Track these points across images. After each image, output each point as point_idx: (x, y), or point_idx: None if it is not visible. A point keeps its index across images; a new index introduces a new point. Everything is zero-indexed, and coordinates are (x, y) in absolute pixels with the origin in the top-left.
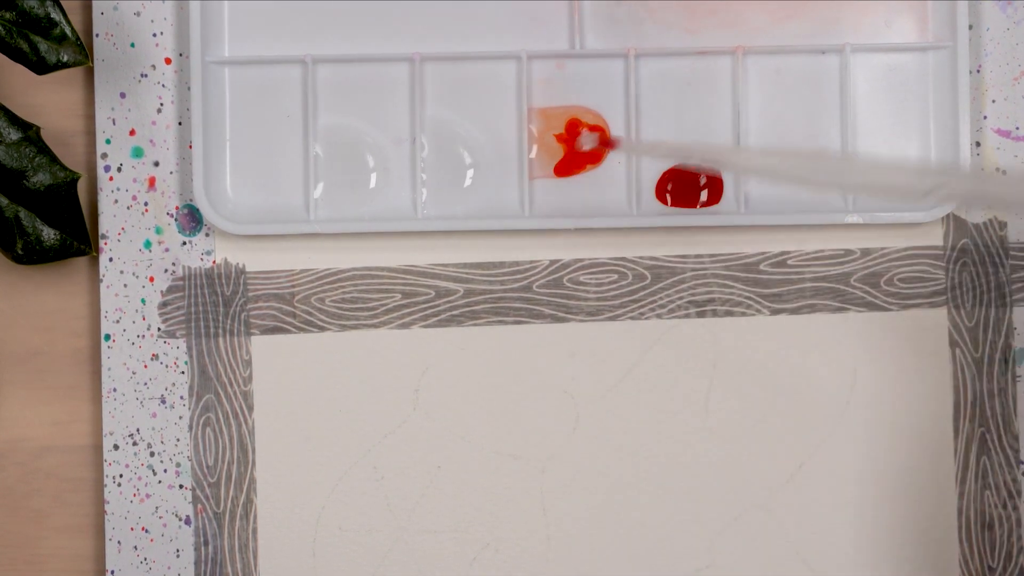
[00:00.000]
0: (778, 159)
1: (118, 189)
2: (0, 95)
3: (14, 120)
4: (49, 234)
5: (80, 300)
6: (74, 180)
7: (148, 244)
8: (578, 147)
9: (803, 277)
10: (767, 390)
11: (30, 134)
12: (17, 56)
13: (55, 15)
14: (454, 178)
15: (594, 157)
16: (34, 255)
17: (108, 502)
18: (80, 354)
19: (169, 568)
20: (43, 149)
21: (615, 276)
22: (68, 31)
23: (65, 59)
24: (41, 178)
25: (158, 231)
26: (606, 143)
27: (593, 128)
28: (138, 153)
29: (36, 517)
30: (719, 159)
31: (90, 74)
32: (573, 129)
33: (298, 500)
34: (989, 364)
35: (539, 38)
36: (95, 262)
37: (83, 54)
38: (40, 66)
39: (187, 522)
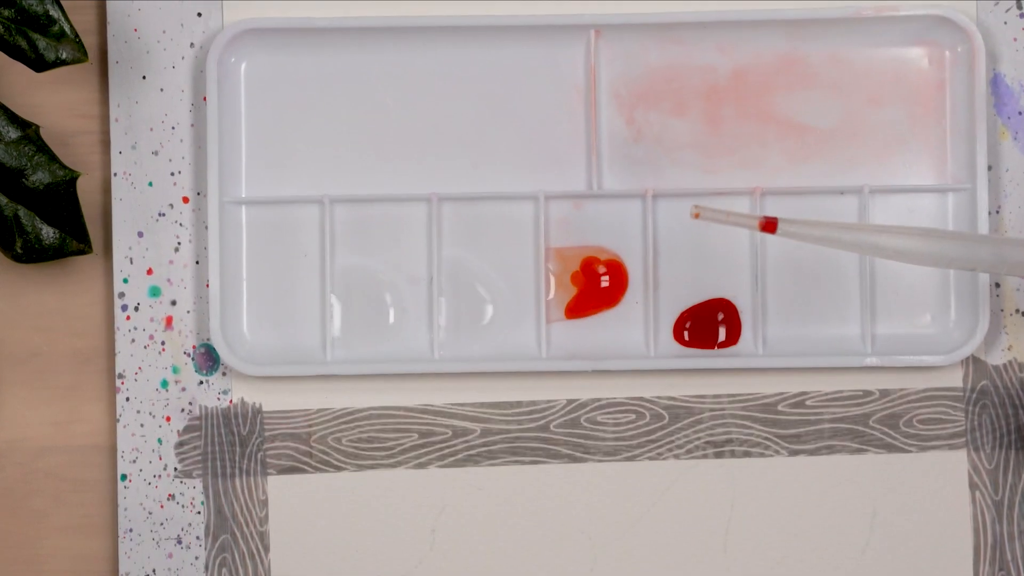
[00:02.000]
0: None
1: (135, 328)
2: (0, 94)
3: (13, 119)
4: (48, 233)
5: (80, 300)
6: (73, 179)
7: (165, 383)
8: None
9: (821, 418)
10: (785, 531)
11: (29, 133)
12: (16, 53)
13: (54, 12)
14: (471, 318)
15: (609, 299)
16: (33, 254)
17: None
18: (80, 354)
19: None
20: (42, 148)
21: (632, 416)
22: (67, 28)
23: (64, 56)
24: (40, 177)
25: (175, 370)
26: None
27: (610, 263)
28: (155, 292)
29: (36, 517)
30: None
31: (90, 72)
32: (589, 268)
33: None
34: (1009, 507)
35: (556, 178)
36: (95, 262)
37: (82, 51)
38: (39, 63)
39: None
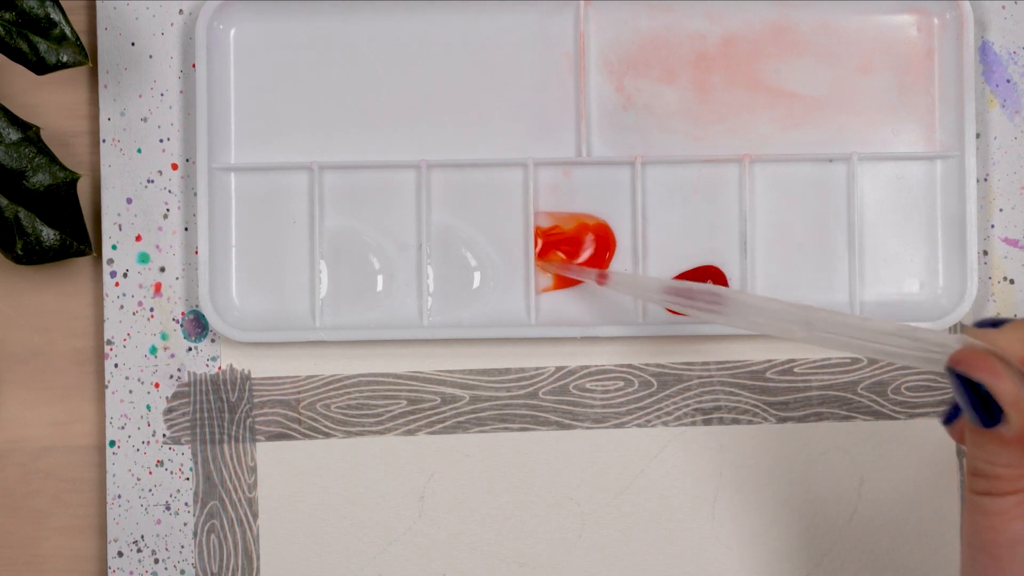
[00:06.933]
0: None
1: (124, 295)
2: (0, 95)
3: (14, 120)
4: (49, 234)
5: (80, 300)
6: (74, 180)
7: (154, 350)
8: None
9: (810, 385)
10: (773, 499)
11: (30, 134)
12: (17, 56)
13: (55, 15)
14: (460, 285)
15: (596, 265)
16: (34, 255)
17: None
18: (80, 354)
19: None
20: (43, 149)
21: (621, 383)
22: (68, 31)
23: (65, 59)
24: (41, 178)
25: (164, 337)
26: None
27: (598, 228)
28: (144, 259)
29: (36, 517)
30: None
31: (90, 74)
32: (575, 239)
33: None
34: None
35: (546, 145)
36: (95, 263)
37: (83, 54)
38: (40, 66)
39: None
